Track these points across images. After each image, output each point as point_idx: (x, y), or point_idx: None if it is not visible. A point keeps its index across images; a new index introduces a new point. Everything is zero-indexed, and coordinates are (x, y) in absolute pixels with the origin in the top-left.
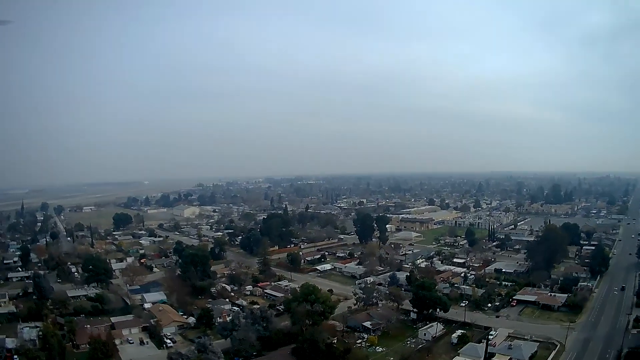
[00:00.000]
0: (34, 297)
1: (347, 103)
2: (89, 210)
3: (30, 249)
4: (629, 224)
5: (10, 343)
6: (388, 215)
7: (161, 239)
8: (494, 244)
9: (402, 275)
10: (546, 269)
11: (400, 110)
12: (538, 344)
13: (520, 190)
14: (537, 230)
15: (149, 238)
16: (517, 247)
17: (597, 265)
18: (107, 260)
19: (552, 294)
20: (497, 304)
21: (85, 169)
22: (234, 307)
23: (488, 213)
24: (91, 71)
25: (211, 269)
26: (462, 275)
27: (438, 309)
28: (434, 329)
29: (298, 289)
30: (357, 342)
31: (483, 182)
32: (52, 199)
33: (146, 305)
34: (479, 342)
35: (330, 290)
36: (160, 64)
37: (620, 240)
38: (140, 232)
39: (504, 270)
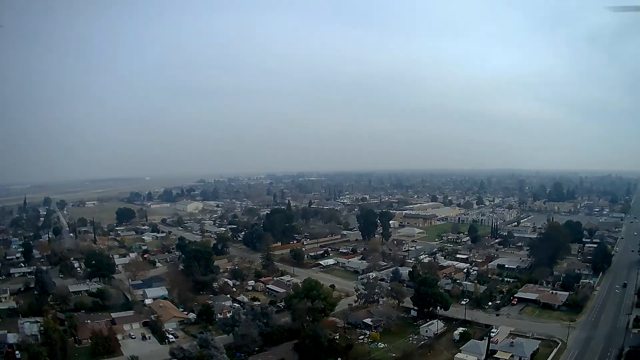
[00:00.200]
0: (36, 292)
1: (348, 101)
2: (92, 205)
3: (33, 244)
4: (631, 222)
5: (11, 338)
6: (391, 211)
7: (164, 234)
8: (497, 240)
9: (404, 271)
10: (548, 265)
11: (401, 108)
12: (539, 341)
13: (522, 188)
14: (539, 228)
15: (152, 233)
16: (519, 244)
17: (599, 262)
18: (110, 256)
19: (554, 291)
20: (498, 302)
21: (87, 165)
22: (235, 303)
23: (491, 210)
24: (93, 68)
25: (214, 264)
26: (465, 271)
27: (439, 307)
28: (435, 326)
29: (300, 284)
30: (359, 338)
31: (485, 179)
32: (55, 194)
33: (147, 301)
34: (481, 339)
35: (333, 286)
36: (162, 62)
37: (622, 238)
38: (143, 227)
39: (506, 266)
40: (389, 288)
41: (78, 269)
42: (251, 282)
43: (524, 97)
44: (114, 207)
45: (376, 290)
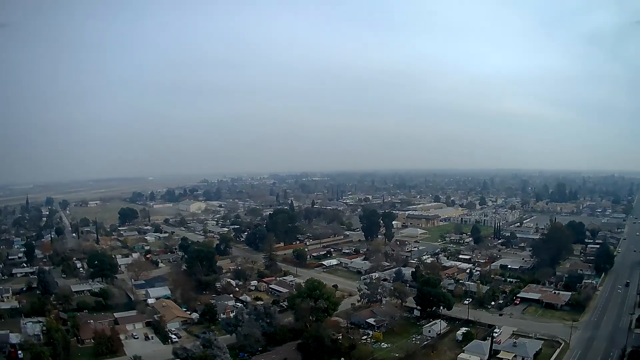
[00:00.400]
0: (38, 292)
1: (352, 100)
2: (94, 205)
3: (35, 244)
4: (634, 222)
5: (14, 338)
6: (394, 211)
7: (167, 234)
8: (500, 241)
9: (407, 271)
10: (551, 266)
11: (405, 107)
12: (542, 342)
13: (525, 188)
14: (542, 228)
15: (155, 234)
16: (522, 244)
17: (602, 262)
18: (113, 256)
19: (556, 291)
20: (501, 301)
21: (90, 165)
22: (238, 303)
23: (494, 211)
24: (96, 66)
25: (217, 264)
26: (468, 271)
27: (441, 307)
28: (438, 326)
29: (303, 284)
30: (362, 338)
31: (488, 180)
32: (57, 194)
33: (150, 301)
34: (484, 339)
35: (335, 286)
36: (165, 60)
37: (625, 239)
38: (146, 227)
39: (509, 266)
40: (392, 288)
41: (81, 269)
42: (254, 282)
43: (527, 97)
44: (116, 207)
45: (379, 290)
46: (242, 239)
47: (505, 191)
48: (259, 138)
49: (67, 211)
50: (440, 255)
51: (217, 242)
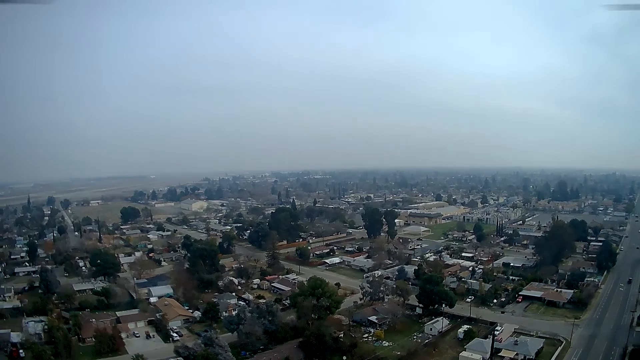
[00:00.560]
0: (40, 291)
1: (353, 98)
2: (96, 204)
3: (38, 243)
4: (636, 220)
5: (15, 337)
6: (396, 210)
7: (169, 233)
8: (502, 239)
9: (410, 269)
10: (554, 264)
11: (406, 105)
12: (544, 340)
13: (527, 186)
14: (544, 226)
15: (157, 232)
16: (525, 242)
17: (604, 260)
18: (115, 255)
19: (559, 289)
20: (503, 299)
21: (91, 163)
22: (240, 302)
23: (495, 209)
24: (97, 66)
25: (219, 262)
26: (470, 269)
27: (444, 304)
28: (440, 324)
29: (305, 283)
30: (364, 336)
31: (490, 178)
32: (59, 193)
33: (152, 299)
34: (485, 337)
35: (338, 284)
36: (167, 59)
37: (627, 237)
38: (148, 226)
39: (512, 264)
40: (394, 286)
41: (83, 267)
42: (256, 281)
43: (529, 95)
44: (118, 206)
45: (381, 288)
46: (244, 237)
47: (507, 190)
48: (261, 136)
49: (69, 210)
50: (443, 253)
51: (220, 240)
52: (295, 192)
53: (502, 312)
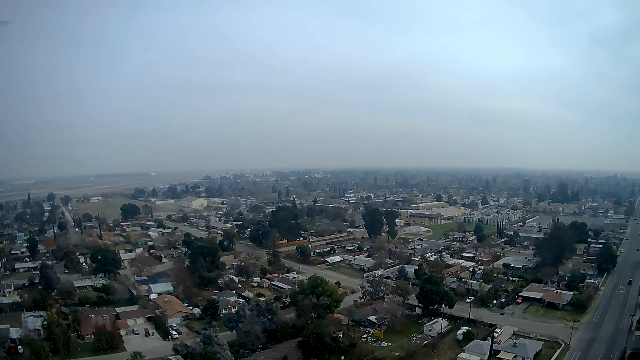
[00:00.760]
0: (40, 287)
1: (354, 98)
2: (96, 200)
3: (38, 239)
4: (637, 223)
5: (14, 333)
6: (397, 210)
7: (170, 230)
8: (503, 240)
9: (410, 269)
10: (554, 265)
11: (408, 105)
12: (543, 342)
13: (527, 188)
14: (545, 228)
15: (158, 229)
16: (525, 243)
17: (604, 262)
18: (116, 251)
19: (558, 291)
20: (503, 300)
21: (92, 160)
22: (240, 299)
23: (496, 210)
24: (98, 64)
25: (220, 260)
26: (471, 269)
27: (443, 305)
28: (439, 324)
29: (306, 281)
30: (363, 336)
31: (490, 179)
32: (59, 190)
33: (152, 296)
34: (484, 339)
35: (338, 283)
36: (168, 57)
37: (627, 239)
38: (148, 223)
39: (512, 265)
40: (394, 286)
41: (84, 264)
42: (257, 279)
43: (530, 97)
44: (118, 202)
45: (381, 287)
46: (245, 235)
47: (507, 191)
48: (262, 135)
49: (69, 207)
50: (444, 253)
51: (221, 238)
52: (295, 191)
53: (502, 314)
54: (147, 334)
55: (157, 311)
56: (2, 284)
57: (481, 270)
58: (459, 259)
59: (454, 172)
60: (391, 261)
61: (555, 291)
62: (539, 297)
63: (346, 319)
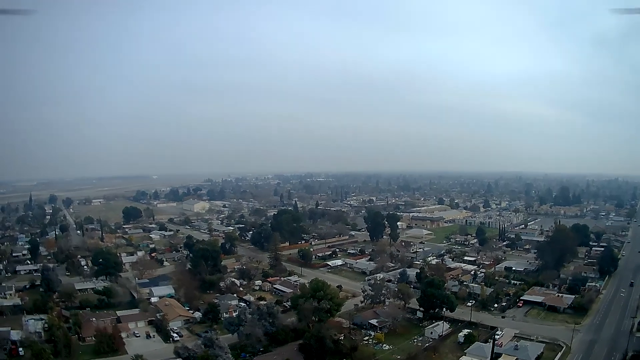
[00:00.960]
0: (41, 289)
1: (356, 101)
2: (98, 203)
3: (40, 241)
4: (639, 226)
5: (15, 335)
6: (398, 213)
7: (172, 233)
8: (505, 243)
9: (412, 272)
10: (555, 268)
11: (409, 108)
12: (544, 345)
13: (529, 191)
14: (547, 231)
15: (160, 232)
16: (527, 246)
17: (606, 265)
18: (118, 254)
19: (560, 294)
20: (504, 304)
21: (94, 163)
22: (241, 303)
23: (498, 213)
24: (100, 66)
25: (222, 263)
26: (472, 272)
27: (445, 308)
28: (440, 327)
29: (307, 285)
30: (364, 339)
31: (492, 182)
32: (61, 192)
33: (153, 299)
34: (486, 342)
35: (340, 286)
36: (170, 59)
37: (629, 242)
38: (150, 225)
39: (514, 268)
40: (396, 289)
41: (85, 266)
42: (258, 282)
43: (532, 99)
44: (120, 205)
45: (383, 291)
46: (247, 238)
47: (509, 194)
48: (264, 138)
49: (71, 209)
50: (446, 256)
51: (222, 241)
52: (297, 194)
53: (503, 317)
54: (148, 336)
55: (158, 314)
56: (3, 286)
57: (483, 274)
58: (461, 262)
59: (456, 176)
60: (393, 264)
61: (556, 294)
62: (540, 300)
63: (347, 323)
